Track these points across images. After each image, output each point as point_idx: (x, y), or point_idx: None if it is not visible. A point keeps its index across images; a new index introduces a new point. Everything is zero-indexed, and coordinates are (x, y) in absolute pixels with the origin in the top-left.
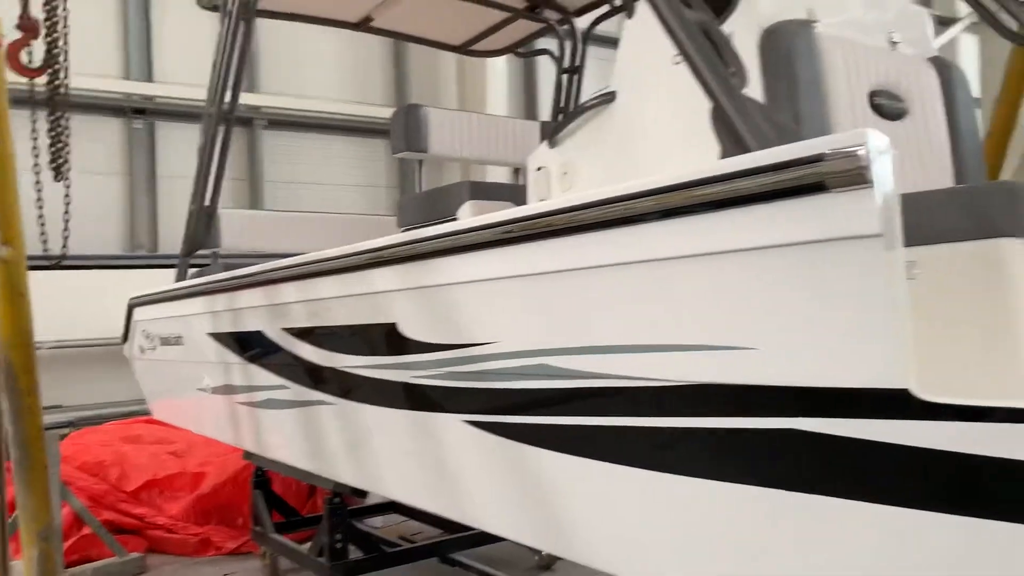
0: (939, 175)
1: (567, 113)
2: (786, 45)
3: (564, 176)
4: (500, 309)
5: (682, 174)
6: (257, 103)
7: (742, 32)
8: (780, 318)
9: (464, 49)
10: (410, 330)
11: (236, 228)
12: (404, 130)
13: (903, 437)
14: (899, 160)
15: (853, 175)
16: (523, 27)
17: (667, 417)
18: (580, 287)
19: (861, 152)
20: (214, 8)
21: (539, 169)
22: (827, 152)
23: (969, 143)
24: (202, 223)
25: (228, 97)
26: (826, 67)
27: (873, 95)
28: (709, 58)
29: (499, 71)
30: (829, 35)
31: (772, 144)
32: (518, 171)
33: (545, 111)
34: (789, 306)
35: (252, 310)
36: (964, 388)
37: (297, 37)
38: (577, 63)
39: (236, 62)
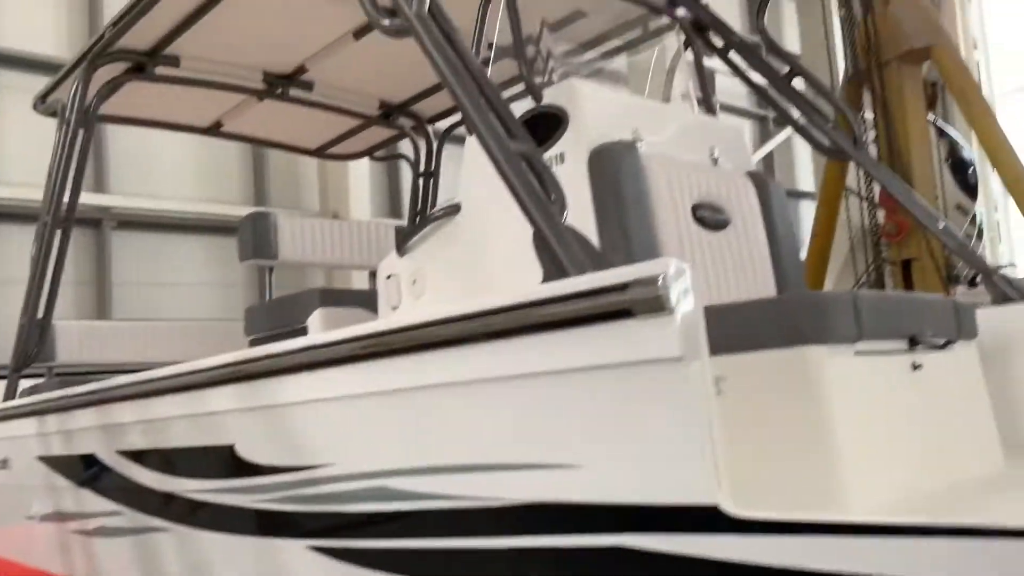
0: (761, 282)
1: (416, 222)
2: (612, 165)
3: (414, 284)
4: (337, 429)
5: (503, 298)
6: (106, 204)
7: (572, 153)
8: (600, 437)
9: (320, 153)
10: (248, 452)
11: (74, 340)
12: (252, 237)
13: (715, 552)
14: (722, 269)
15: (654, 303)
16: (379, 132)
17: (505, 536)
18: (416, 406)
19: (661, 281)
20: (53, 114)
21: (389, 277)
22: (631, 281)
23: (787, 251)
24: (34, 336)
25: (65, 203)
26: (651, 184)
27: (696, 208)
28: (530, 187)
29: (361, 171)
30: (653, 154)
31: (587, 271)
32: (375, 275)
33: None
34: (607, 425)
35: (84, 431)
36: (775, 501)
37: (149, 136)
38: (432, 168)
39: (74, 168)
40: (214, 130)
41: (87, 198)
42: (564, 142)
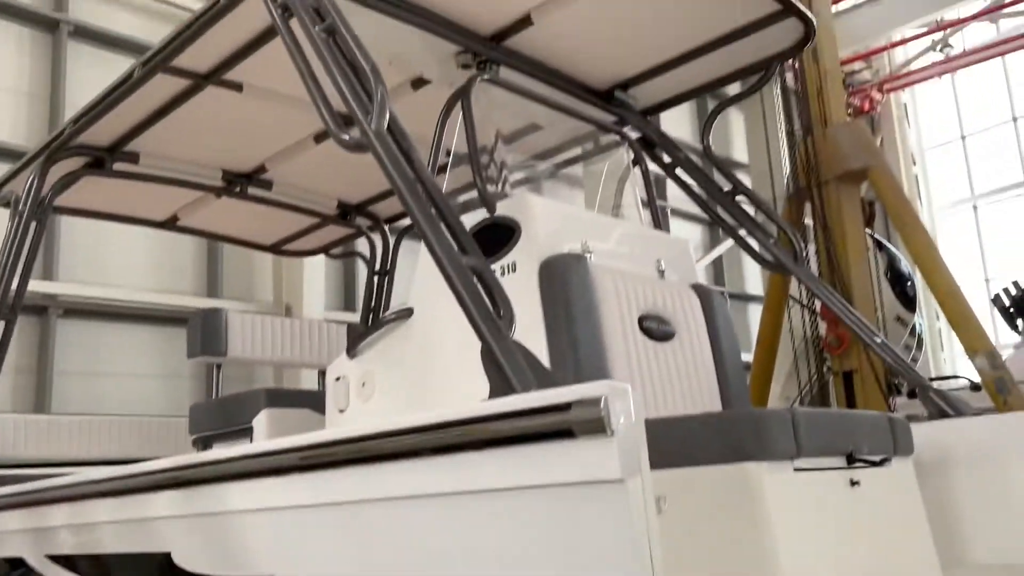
0: (706, 392)
1: (369, 322)
2: (562, 276)
3: (363, 387)
4: (278, 539)
5: (447, 413)
6: (53, 291)
7: (523, 263)
8: (542, 556)
9: (276, 249)
10: (185, 560)
11: (8, 435)
12: (201, 333)
13: None
14: (667, 379)
15: (595, 424)
16: (336, 230)
17: None
18: (359, 519)
19: (603, 403)
20: (7, 205)
21: (338, 379)
22: (573, 401)
23: (731, 361)
24: None
25: (12, 294)
26: (599, 295)
27: (643, 319)
28: (480, 302)
29: (316, 265)
30: (602, 265)
31: (532, 388)
32: (324, 374)
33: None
34: (549, 544)
35: (12, 533)
36: None
37: (101, 222)
38: (388, 267)
39: (24, 259)
40: (170, 224)
41: (34, 285)
42: (516, 252)
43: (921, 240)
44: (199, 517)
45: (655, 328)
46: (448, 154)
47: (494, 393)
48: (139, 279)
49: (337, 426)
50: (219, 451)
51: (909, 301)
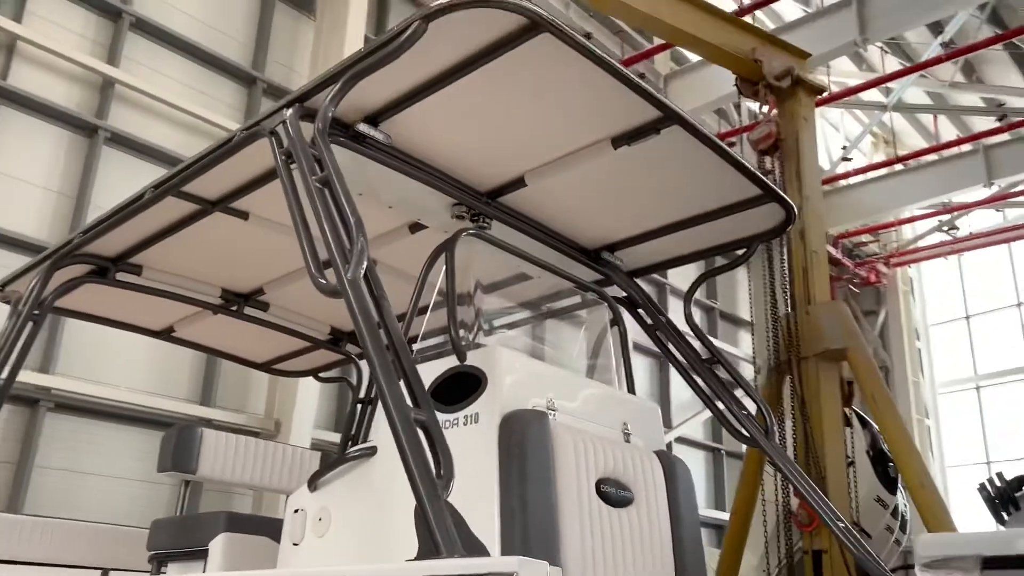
0: (660, 563)
1: (332, 460)
2: (520, 433)
3: (319, 522)
4: None
5: (370, 571)
6: (47, 384)
7: (485, 415)
8: None
9: (267, 368)
10: None
11: None
12: (173, 449)
13: None
14: (620, 546)
15: None
16: (327, 355)
17: None
18: None
19: None
20: (6, 301)
21: (296, 511)
22: (487, 574)
23: (689, 533)
24: None
25: None
26: (557, 454)
27: (600, 483)
28: (420, 458)
29: (311, 384)
30: (564, 424)
31: (456, 554)
32: None
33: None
34: None
35: None
36: None
37: None
38: (372, 395)
39: (15, 358)
40: (165, 334)
41: (29, 376)
42: (479, 404)
43: (895, 425)
44: None
45: (613, 493)
46: (432, 296)
47: (421, 553)
48: (135, 380)
49: (289, 559)
50: None
51: (891, 481)
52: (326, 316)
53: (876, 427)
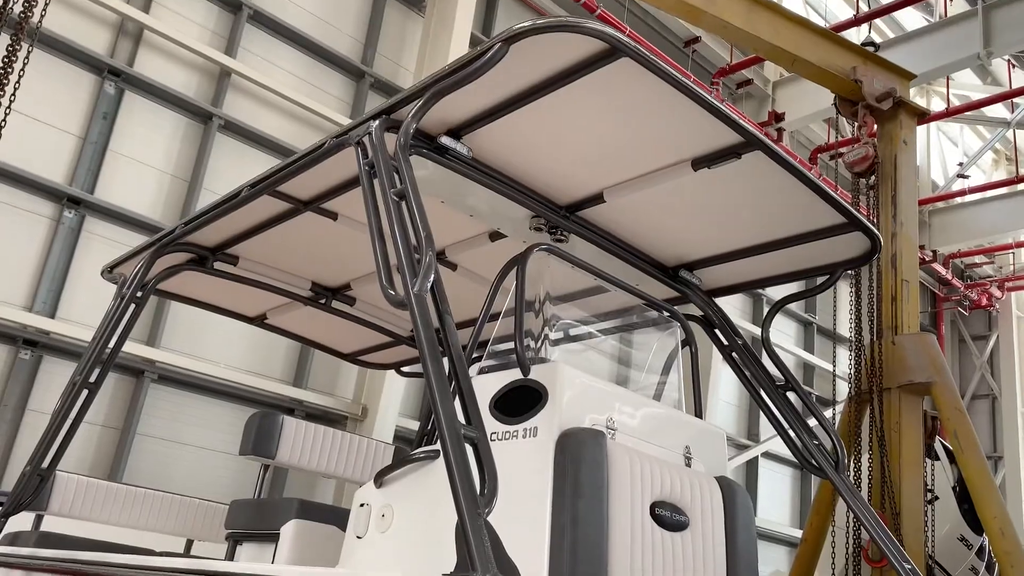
0: None
1: (399, 458)
2: (576, 451)
3: (382, 518)
4: None
5: None
6: (153, 357)
7: (544, 430)
8: None
9: (352, 358)
10: None
11: (69, 494)
12: (255, 434)
13: None
14: (671, 571)
15: None
16: (408, 350)
17: None
18: None
19: None
20: (115, 283)
21: (362, 505)
22: None
23: (744, 561)
24: (32, 484)
25: (99, 366)
26: (613, 474)
27: (656, 505)
28: (465, 475)
29: (397, 378)
30: (623, 445)
31: (491, 572)
32: None
33: None
34: None
35: None
36: None
37: None
38: None
39: (117, 336)
40: (258, 321)
41: (135, 348)
42: (539, 418)
43: (977, 465)
44: None
45: (667, 516)
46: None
47: (458, 568)
48: (233, 358)
49: (353, 552)
50: (187, 559)
51: (976, 521)
52: (408, 315)
53: None
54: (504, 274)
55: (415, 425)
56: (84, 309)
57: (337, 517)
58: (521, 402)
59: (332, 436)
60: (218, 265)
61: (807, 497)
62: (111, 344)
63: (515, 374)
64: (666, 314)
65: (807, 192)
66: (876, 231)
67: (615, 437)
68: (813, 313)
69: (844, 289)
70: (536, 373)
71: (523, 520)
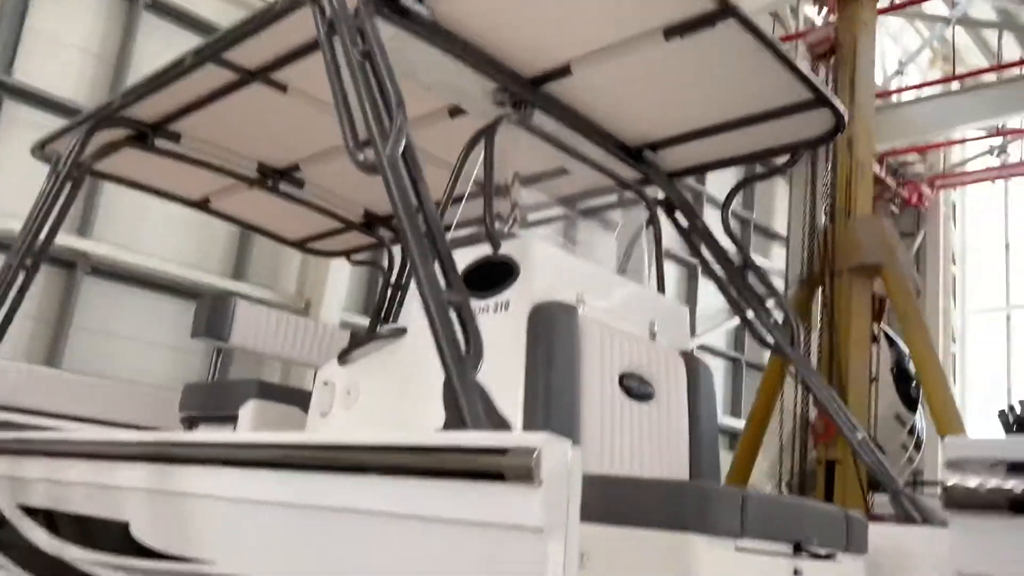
0: (675, 458)
1: (362, 336)
2: (549, 324)
3: (347, 395)
4: (224, 528)
5: (396, 437)
6: (85, 249)
7: (516, 304)
8: None
9: (300, 246)
10: (141, 533)
11: (11, 382)
12: (207, 316)
13: None
14: (638, 439)
15: (524, 472)
16: (360, 237)
17: None
18: (298, 522)
19: (536, 454)
20: (48, 161)
21: (326, 383)
22: (511, 447)
23: (706, 432)
24: None
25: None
26: (584, 346)
27: (624, 377)
28: (452, 337)
29: (342, 266)
30: (592, 318)
31: (483, 427)
32: None
33: None
34: None
35: None
36: None
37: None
38: (403, 281)
39: (53, 217)
40: (201, 205)
41: (67, 240)
42: (510, 292)
43: (924, 345)
44: (159, 494)
45: (634, 387)
46: (468, 184)
47: (447, 426)
48: (170, 251)
49: (316, 429)
50: (180, 434)
51: (912, 401)
52: (360, 198)
53: (904, 346)
54: (471, 146)
55: (360, 320)
56: (9, 199)
57: (297, 398)
58: (490, 278)
59: (286, 320)
60: (159, 143)
61: (739, 387)
62: (46, 229)
63: (483, 250)
64: (630, 195)
65: (776, 66)
66: (842, 107)
67: (584, 311)
68: (751, 210)
69: (782, 186)
70: (507, 248)
71: (496, 393)
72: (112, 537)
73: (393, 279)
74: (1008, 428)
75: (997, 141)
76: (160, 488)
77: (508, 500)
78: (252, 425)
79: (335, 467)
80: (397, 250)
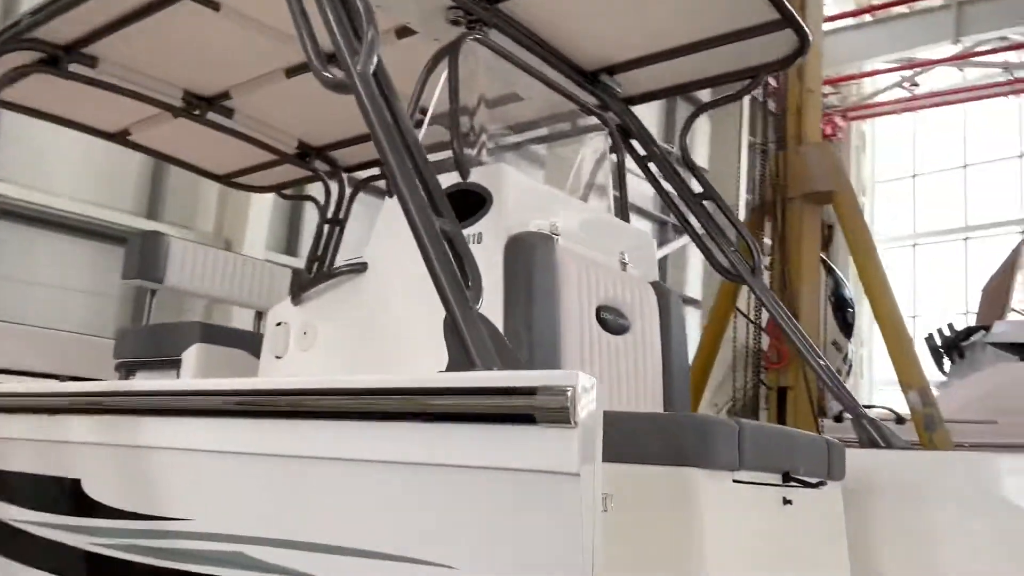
0: (651, 390)
1: (316, 270)
2: (527, 254)
3: (304, 336)
4: (199, 483)
5: (399, 379)
6: None
7: (490, 235)
8: (479, 540)
9: (227, 180)
10: (96, 491)
11: None
12: (140, 256)
13: None
14: (616, 372)
15: (559, 414)
16: (292, 170)
17: None
18: (289, 474)
19: (570, 393)
20: None
21: (279, 324)
22: (540, 387)
23: (679, 363)
24: None
25: None
26: (561, 279)
27: (600, 310)
28: (449, 269)
29: (263, 204)
30: (568, 249)
31: (494, 367)
32: (262, 315)
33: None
34: (488, 529)
35: None
36: None
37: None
38: (341, 216)
39: None
40: (120, 138)
41: None
42: (484, 223)
43: (875, 270)
44: (117, 448)
45: (611, 320)
46: (424, 112)
47: (452, 365)
48: (79, 189)
49: (271, 373)
50: (142, 382)
51: (847, 327)
52: (295, 129)
53: (839, 274)
54: (433, 66)
55: (285, 260)
56: None
57: (243, 340)
58: (460, 208)
59: (224, 258)
60: (73, 67)
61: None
62: None
63: (451, 179)
64: (592, 120)
65: None
66: (807, 28)
67: (559, 241)
68: (671, 143)
69: (703, 119)
70: (477, 176)
71: None
72: (63, 497)
73: (331, 214)
74: (935, 352)
75: (908, 74)
76: (119, 442)
77: (540, 444)
78: (197, 370)
79: (333, 414)
80: (334, 184)
